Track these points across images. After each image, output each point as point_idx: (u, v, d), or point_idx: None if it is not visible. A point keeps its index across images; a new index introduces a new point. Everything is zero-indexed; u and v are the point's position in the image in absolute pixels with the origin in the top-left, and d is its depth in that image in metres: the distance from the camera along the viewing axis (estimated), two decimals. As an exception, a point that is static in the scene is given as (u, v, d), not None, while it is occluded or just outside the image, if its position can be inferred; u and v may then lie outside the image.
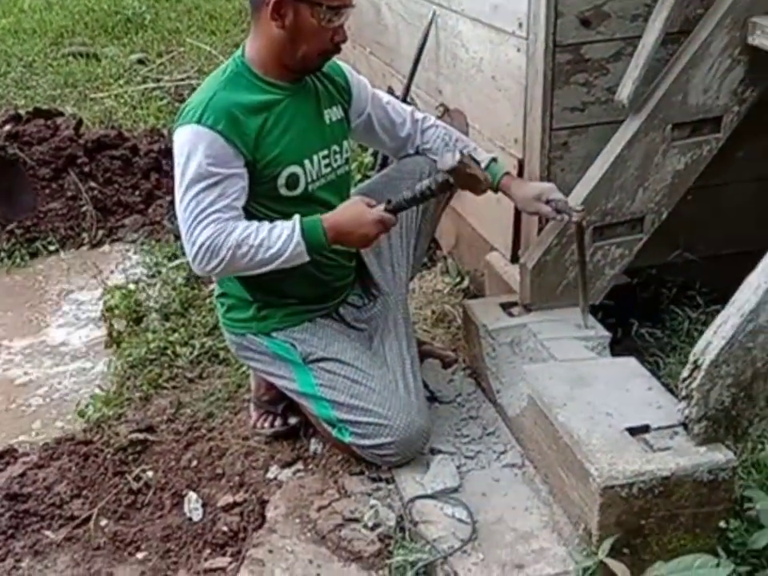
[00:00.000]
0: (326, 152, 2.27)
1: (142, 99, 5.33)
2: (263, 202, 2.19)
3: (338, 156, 2.31)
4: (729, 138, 2.42)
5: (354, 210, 2.17)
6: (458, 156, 2.12)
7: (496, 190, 2.37)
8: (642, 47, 2.27)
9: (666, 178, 2.40)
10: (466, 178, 2.16)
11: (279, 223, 2.12)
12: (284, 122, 2.19)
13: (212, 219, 2.08)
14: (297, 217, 2.13)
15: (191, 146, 2.09)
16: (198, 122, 2.09)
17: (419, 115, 2.49)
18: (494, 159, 2.39)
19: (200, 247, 2.08)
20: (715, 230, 2.68)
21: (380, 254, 2.47)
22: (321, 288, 2.34)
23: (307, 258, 2.13)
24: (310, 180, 2.23)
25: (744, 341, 1.80)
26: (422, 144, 2.48)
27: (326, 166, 2.27)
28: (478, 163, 2.20)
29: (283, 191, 2.20)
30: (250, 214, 2.17)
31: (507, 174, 2.38)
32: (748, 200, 2.68)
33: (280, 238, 2.09)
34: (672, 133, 2.35)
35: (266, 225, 2.12)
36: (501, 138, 2.66)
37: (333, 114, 2.31)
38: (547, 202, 2.28)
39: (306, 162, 2.22)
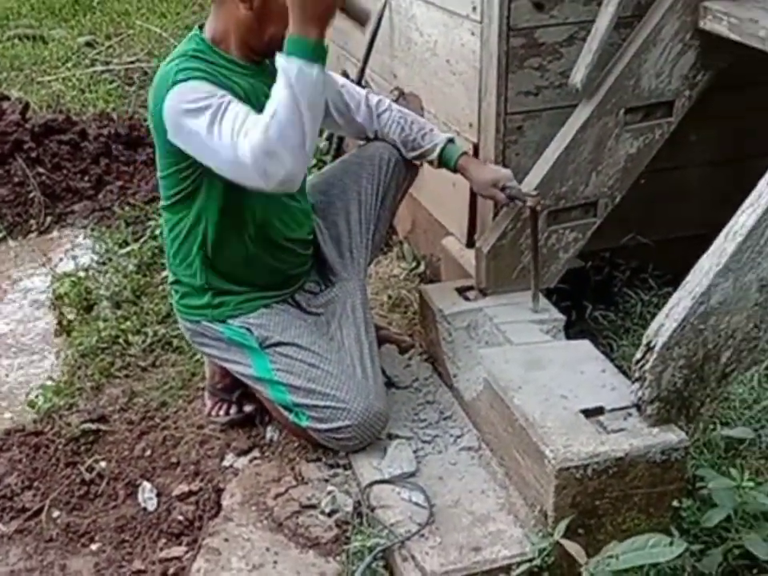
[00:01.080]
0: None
1: (91, 83, 5.21)
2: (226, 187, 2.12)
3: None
4: (681, 121, 2.44)
5: None
6: None
7: (454, 170, 2.38)
8: (595, 31, 2.28)
9: (619, 161, 2.42)
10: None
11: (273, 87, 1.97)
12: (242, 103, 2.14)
13: (247, 127, 1.94)
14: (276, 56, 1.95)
15: (186, 102, 2.01)
16: (174, 84, 2.02)
17: (374, 99, 2.47)
18: (450, 140, 2.40)
19: (253, 156, 1.91)
20: (668, 214, 2.71)
21: (339, 241, 2.45)
22: (277, 276, 2.31)
23: (317, 69, 1.92)
24: None
25: (696, 323, 1.82)
26: (379, 129, 2.46)
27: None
28: None
29: None
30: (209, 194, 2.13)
31: (465, 154, 2.39)
32: (700, 183, 2.71)
33: (278, 90, 1.93)
34: (625, 117, 2.37)
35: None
36: (456, 122, 2.65)
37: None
38: (502, 189, 2.30)
39: None
